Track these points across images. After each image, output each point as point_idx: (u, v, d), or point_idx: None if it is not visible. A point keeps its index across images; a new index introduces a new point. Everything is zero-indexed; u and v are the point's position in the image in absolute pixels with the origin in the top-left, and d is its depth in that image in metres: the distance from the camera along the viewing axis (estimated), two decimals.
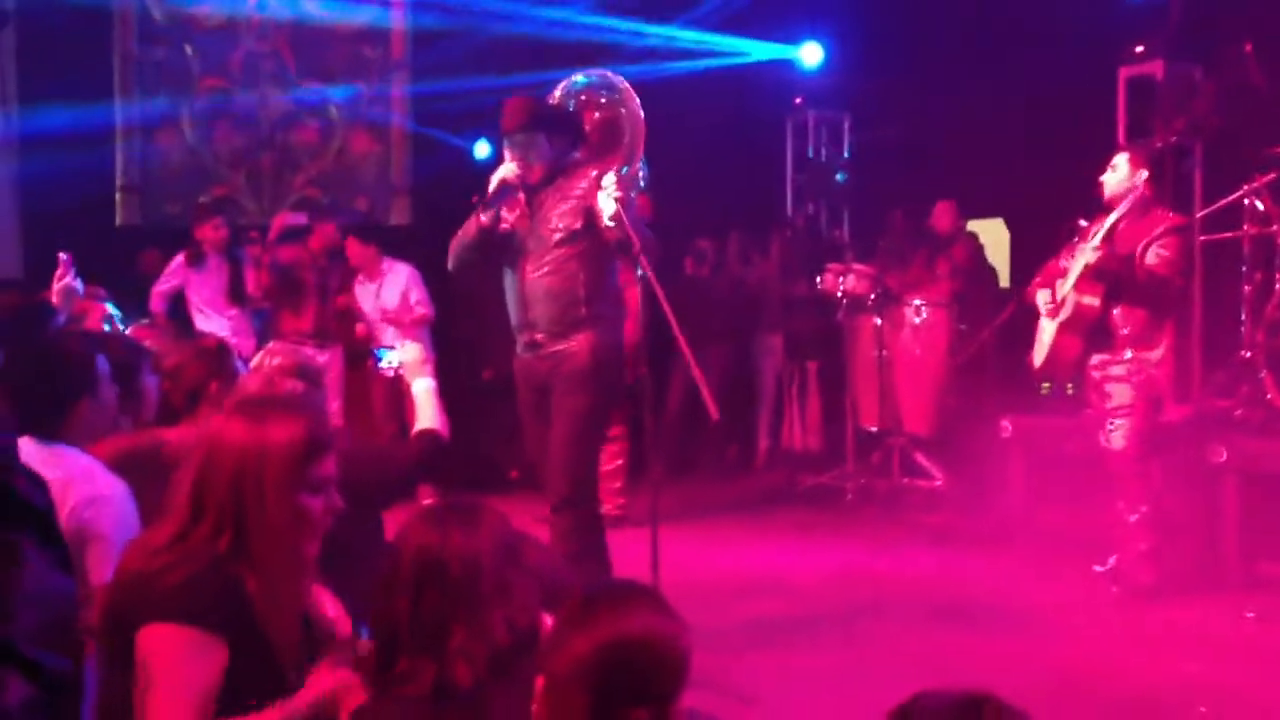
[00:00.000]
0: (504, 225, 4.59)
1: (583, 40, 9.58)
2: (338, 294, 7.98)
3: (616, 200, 4.33)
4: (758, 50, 10.30)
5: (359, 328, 7.91)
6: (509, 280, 4.69)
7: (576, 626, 1.85)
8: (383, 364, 4.11)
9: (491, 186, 4.55)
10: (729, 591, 5.62)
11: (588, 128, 4.84)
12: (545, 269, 4.54)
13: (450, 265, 4.78)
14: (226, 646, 2.20)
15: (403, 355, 3.74)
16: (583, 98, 4.87)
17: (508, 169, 4.56)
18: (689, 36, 10.17)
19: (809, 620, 5.25)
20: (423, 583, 2.13)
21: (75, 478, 2.78)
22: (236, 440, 2.28)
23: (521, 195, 4.59)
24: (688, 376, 8.99)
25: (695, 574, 5.64)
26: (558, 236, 4.52)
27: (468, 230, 4.61)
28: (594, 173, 4.54)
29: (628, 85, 4.88)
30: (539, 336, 4.59)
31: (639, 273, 5.03)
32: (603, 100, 4.86)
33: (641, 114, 4.82)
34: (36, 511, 1.41)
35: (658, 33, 10.09)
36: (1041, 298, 5.65)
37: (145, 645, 2.18)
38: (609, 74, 4.95)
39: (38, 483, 1.46)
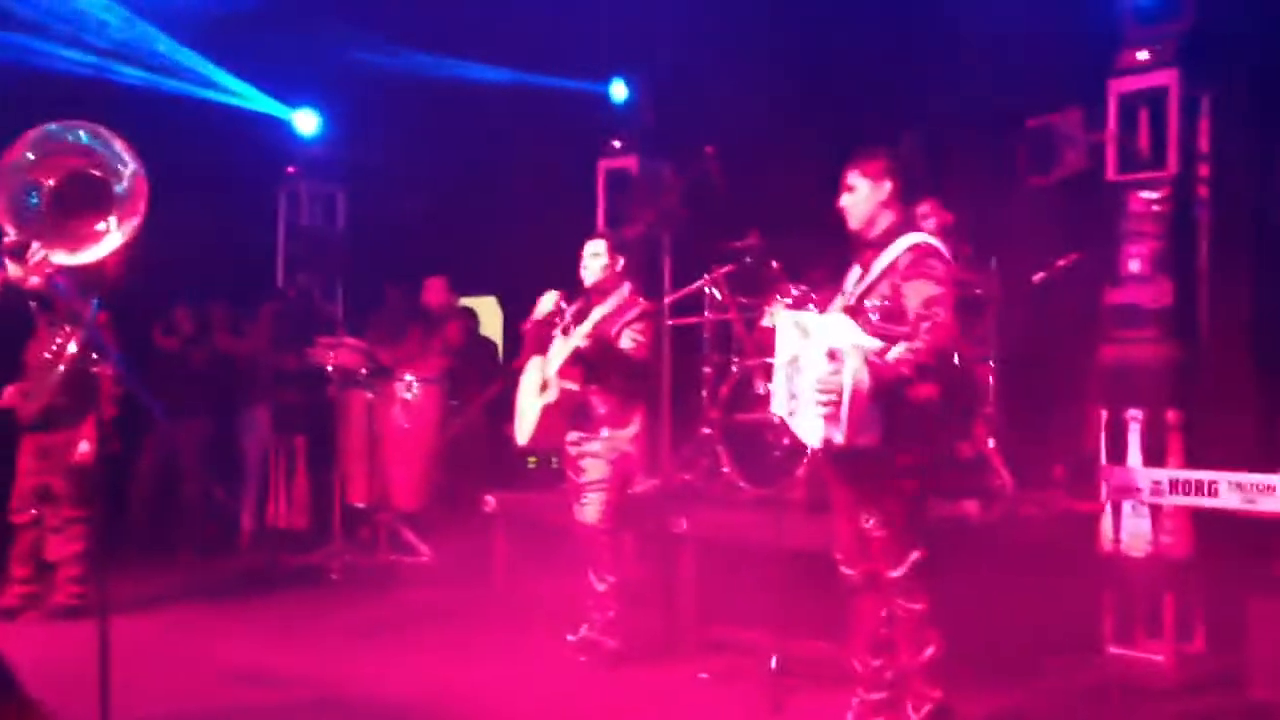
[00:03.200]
0: None
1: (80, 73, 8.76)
2: None
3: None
4: (252, 99, 9.80)
5: None
6: None
7: None
8: None
9: None
10: (189, 686, 5.23)
11: (51, 181, 4.26)
12: None
13: None
14: None
15: None
16: (52, 147, 4.28)
17: None
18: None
19: (274, 712, 4.99)
20: None
21: None
22: None
23: None
24: (160, 452, 8.45)
25: (155, 669, 5.27)
26: None
27: None
28: None
29: (116, 139, 4.14)
30: None
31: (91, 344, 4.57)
32: (75, 151, 4.28)
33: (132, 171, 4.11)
34: None
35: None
36: (530, 379, 5.81)
37: None
38: (96, 129, 4.16)
39: None
